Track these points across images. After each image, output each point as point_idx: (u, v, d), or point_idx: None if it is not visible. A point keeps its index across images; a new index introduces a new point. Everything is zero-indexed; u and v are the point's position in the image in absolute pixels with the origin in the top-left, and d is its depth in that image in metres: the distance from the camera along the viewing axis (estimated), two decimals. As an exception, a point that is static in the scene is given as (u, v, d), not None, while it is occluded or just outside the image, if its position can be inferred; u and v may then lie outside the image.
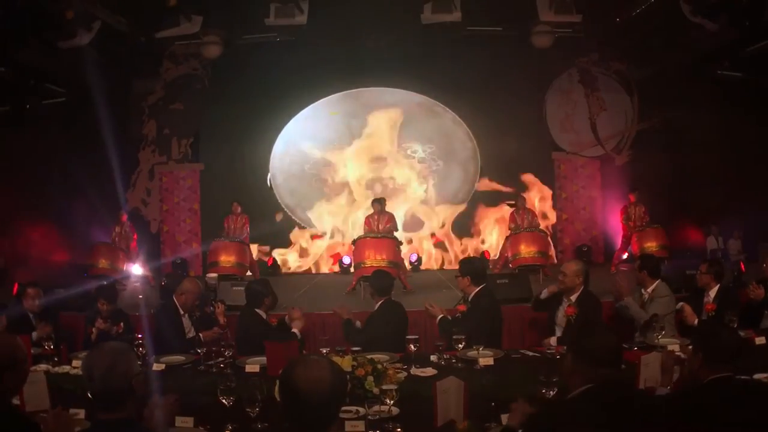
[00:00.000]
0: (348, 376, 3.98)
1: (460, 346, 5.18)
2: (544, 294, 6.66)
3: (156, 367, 5.12)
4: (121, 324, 6.63)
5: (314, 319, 8.60)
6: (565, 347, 4.50)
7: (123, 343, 3.08)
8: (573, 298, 6.13)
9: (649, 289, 6.45)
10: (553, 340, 6.06)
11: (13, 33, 10.47)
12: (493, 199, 15.69)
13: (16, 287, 9.07)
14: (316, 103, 16.16)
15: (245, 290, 6.62)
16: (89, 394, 2.77)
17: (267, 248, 15.10)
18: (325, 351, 4.97)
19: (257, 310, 6.34)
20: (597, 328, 3.52)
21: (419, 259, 15.30)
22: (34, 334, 6.05)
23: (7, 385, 3.07)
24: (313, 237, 15.89)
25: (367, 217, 12.31)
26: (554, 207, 15.68)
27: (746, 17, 11.05)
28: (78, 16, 10.83)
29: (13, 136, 12.52)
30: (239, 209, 13.30)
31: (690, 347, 3.92)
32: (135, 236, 13.34)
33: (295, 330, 6.16)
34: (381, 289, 6.58)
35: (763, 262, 7.25)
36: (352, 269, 12.24)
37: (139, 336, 5.52)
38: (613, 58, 15.71)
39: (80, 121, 13.06)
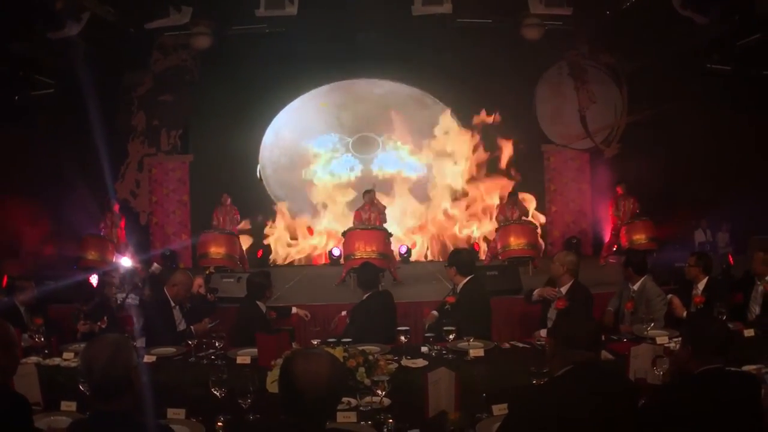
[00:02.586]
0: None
1: (450, 337, 5.20)
2: (535, 296, 6.66)
3: (147, 358, 5.10)
4: (105, 318, 6.58)
5: (305, 311, 8.61)
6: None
7: (122, 335, 3.09)
8: (563, 290, 6.15)
9: (635, 286, 6.46)
10: (543, 332, 6.07)
11: (1, 24, 10.40)
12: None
13: (5, 279, 9.02)
14: (306, 94, 16.14)
15: (246, 282, 6.61)
16: (87, 386, 2.77)
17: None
18: (316, 342, 4.98)
19: (258, 302, 6.35)
20: (575, 314, 3.69)
21: (409, 251, 15.32)
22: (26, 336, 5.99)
23: (1, 364, 3.16)
24: (309, 230, 15.91)
25: (358, 210, 12.31)
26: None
27: (736, 11, 11.10)
28: (67, 7, 10.78)
29: (1, 127, 12.43)
30: (228, 201, 13.26)
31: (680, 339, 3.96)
32: (123, 223, 13.27)
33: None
34: (367, 282, 6.59)
35: (751, 254, 7.28)
36: (342, 261, 12.24)
37: (129, 328, 5.50)
38: (603, 51, 15.73)
39: (69, 112, 13.00)
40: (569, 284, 6.18)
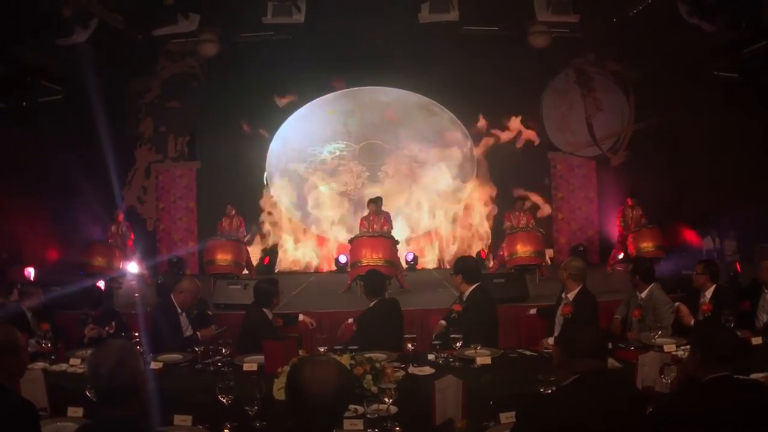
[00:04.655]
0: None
1: (457, 345, 5.19)
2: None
3: (153, 365, 5.11)
4: (113, 323, 6.59)
5: (312, 318, 8.61)
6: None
7: (128, 341, 3.09)
8: (570, 296, 6.13)
9: (643, 294, 6.44)
10: (550, 340, 6.05)
11: (10, 30, 10.44)
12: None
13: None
14: (313, 102, 16.14)
15: (254, 289, 6.60)
16: (93, 391, 2.77)
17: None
18: (323, 349, 4.98)
19: (264, 309, 6.35)
20: (580, 323, 3.68)
21: (415, 259, 15.31)
22: (32, 342, 5.98)
23: (9, 368, 3.24)
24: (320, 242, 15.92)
25: (363, 218, 12.30)
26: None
27: (743, 18, 11.08)
28: (75, 14, 10.82)
29: (9, 134, 12.47)
30: (233, 211, 13.22)
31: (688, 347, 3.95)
32: (132, 234, 13.32)
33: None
34: (373, 289, 6.55)
35: (758, 262, 7.26)
36: (348, 268, 12.23)
37: (136, 334, 5.51)
38: (609, 59, 15.72)
39: (77, 118, 13.03)
40: (576, 290, 6.14)
